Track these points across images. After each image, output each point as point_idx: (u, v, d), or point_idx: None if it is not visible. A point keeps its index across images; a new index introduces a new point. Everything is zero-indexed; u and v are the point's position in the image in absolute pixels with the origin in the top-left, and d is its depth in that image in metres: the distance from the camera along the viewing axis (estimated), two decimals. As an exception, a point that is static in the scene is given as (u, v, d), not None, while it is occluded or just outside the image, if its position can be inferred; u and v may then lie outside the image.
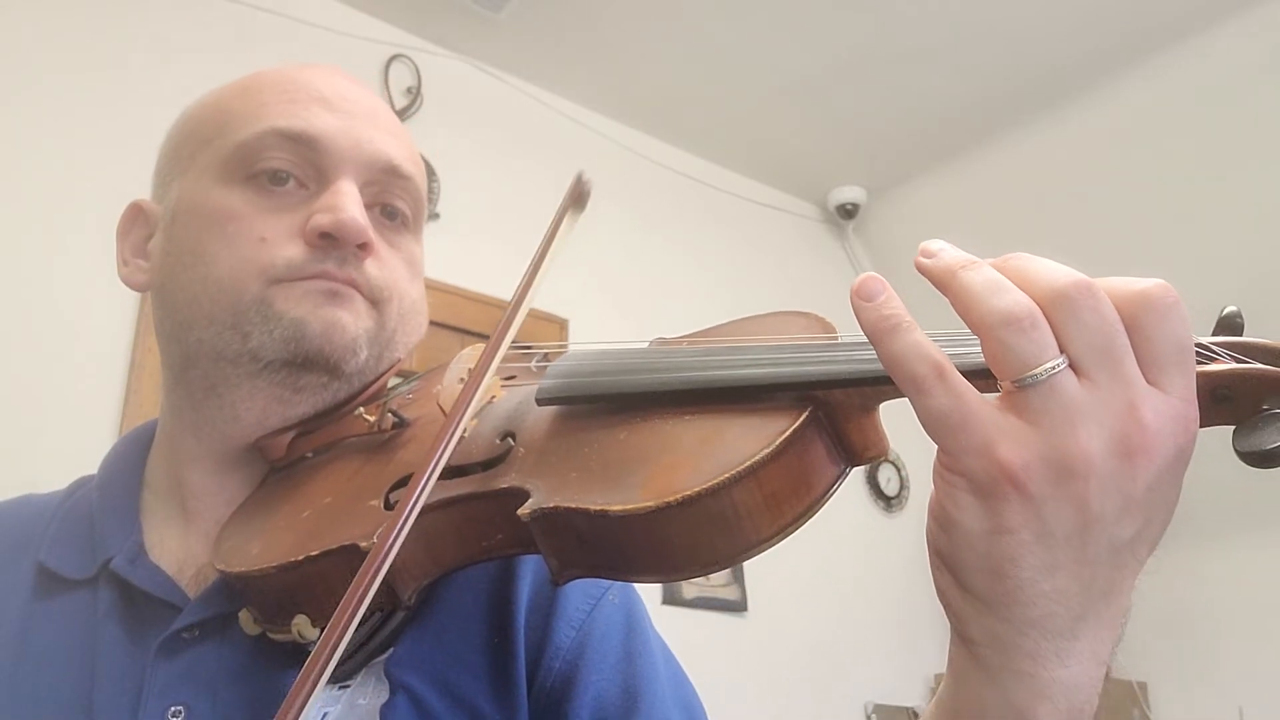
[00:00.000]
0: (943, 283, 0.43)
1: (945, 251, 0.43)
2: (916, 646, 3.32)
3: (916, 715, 3.29)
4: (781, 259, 3.72)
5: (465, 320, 2.73)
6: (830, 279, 3.86)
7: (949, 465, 0.41)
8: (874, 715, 3.25)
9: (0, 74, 2.28)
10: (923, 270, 0.43)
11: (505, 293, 3.40)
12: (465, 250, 2.79)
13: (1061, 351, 0.40)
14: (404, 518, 0.50)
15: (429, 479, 0.51)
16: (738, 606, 3.08)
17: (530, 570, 0.68)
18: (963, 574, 0.42)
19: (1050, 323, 0.40)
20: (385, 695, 0.61)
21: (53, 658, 0.66)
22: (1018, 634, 0.41)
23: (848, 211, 3.82)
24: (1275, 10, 2.76)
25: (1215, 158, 2.99)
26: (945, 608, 0.44)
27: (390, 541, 0.50)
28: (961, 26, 2.92)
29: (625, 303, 2.95)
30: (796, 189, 3.82)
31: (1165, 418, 0.39)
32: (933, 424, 0.41)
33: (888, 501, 3.60)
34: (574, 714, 0.63)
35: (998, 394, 0.41)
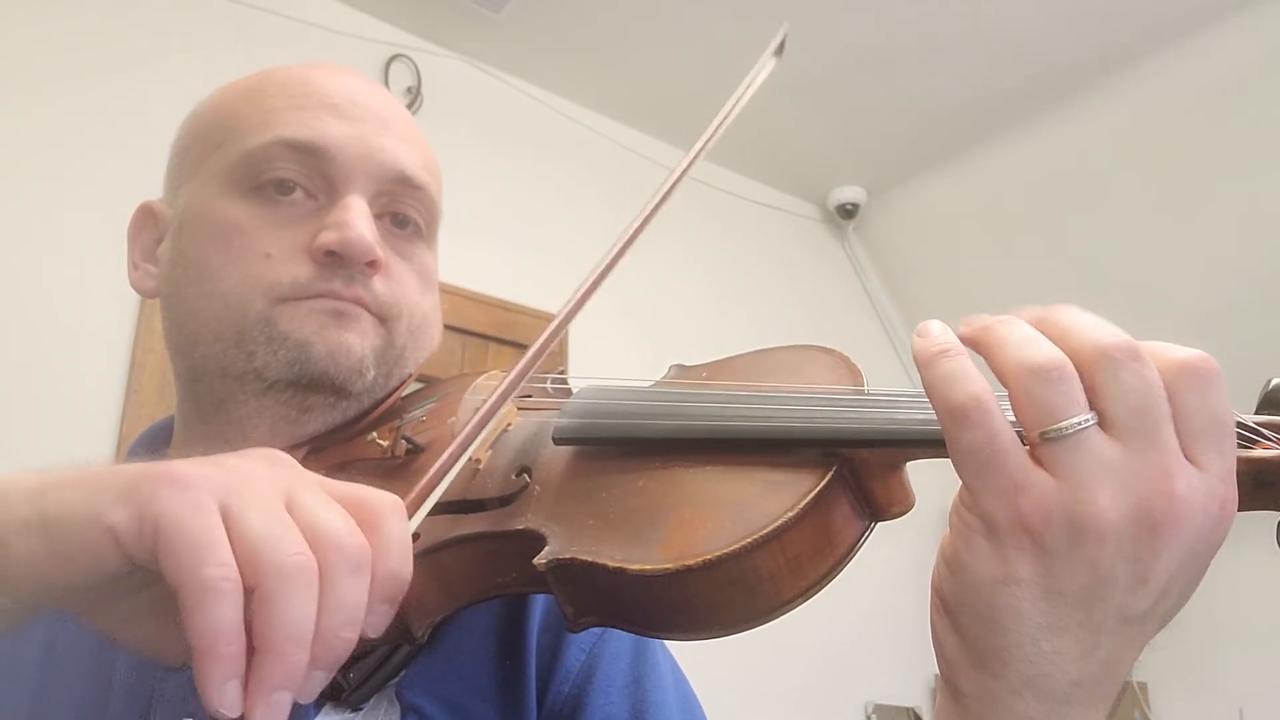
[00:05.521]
0: (975, 338, 0.42)
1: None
2: (916, 647, 3.31)
3: (917, 715, 3.30)
4: (781, 259, 3.71)
5: (465, 321, 2.72)
6: (830, 279, 3.86)
7: (969, 505, 0.40)
8: (874, 715, 3.25)
9: (1, 73, 2.28)
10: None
11: (504, 293, 3.36)
12: (465, 250, 2.77)
13: (1092, 409, 0.39)
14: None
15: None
16: (738, 607, 3.08)
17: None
18: (964, 621, 0.41)
19: (1090, 380, 0.39)
20: (396, 718, 0.60)
21: (74, 668, 0.66)
22: (1011, 692, 0.40)
23: (848, 211, 3.81)
24: (1275, 10, 2.76)
25: (1216, 157, 2.98)
26: (938, 654, 0.43)
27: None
28: (961, 26, 2.91)
29: (625, 303, 2.95)
30: (796, 189, 3.82)
31: (1199, 493, 0.38)
32: (963, 458, 0.40)
33: (888, 502, 3.60)
34: None
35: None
